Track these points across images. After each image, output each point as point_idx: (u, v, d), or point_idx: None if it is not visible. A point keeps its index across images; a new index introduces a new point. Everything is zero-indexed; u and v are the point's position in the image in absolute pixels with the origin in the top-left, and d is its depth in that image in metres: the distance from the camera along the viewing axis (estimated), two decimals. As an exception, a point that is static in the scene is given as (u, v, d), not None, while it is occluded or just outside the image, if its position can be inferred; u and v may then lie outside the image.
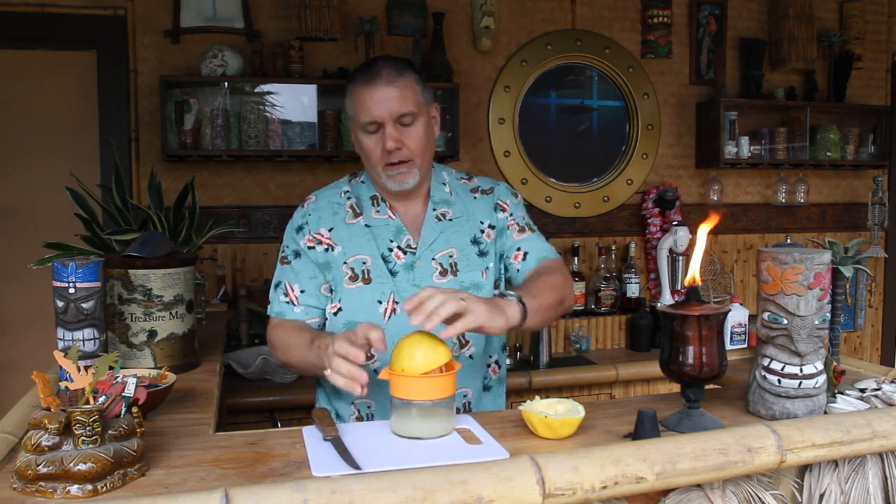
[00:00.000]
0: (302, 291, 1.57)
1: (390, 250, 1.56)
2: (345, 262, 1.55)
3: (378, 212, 1.59)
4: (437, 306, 1.18)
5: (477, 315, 1.22)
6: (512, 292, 1.36)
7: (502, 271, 1.65)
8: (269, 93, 2.94)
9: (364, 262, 1.55)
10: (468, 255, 1.59)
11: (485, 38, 3.22)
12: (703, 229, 1.29)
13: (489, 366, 1.64)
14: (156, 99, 2.88)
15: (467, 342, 1.58)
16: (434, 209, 1.60)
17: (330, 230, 1.57)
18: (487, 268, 1.60)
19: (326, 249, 1.56)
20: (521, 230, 1.64)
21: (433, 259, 1.56)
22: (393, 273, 1.55)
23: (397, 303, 1.53)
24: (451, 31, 3.22)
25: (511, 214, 1.65)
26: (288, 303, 1.58)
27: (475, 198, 1.65)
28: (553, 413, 1.19)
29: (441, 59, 3.07)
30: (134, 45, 2.90)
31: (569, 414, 1.19)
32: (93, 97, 2.93)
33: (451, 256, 1.57)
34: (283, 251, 1.61)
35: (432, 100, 1.58)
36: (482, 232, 1.62)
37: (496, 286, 1.63)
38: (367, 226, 1.58)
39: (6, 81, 2.91)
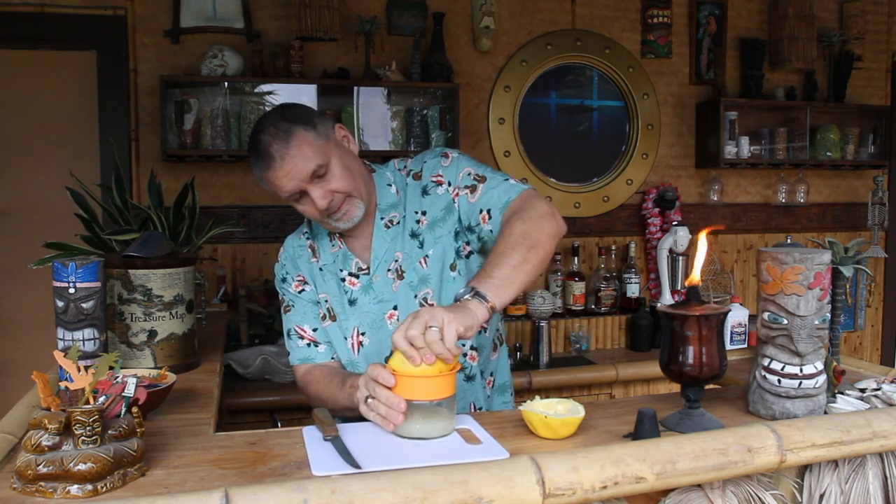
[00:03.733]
0: (315, 330, 1.60)
1: (343, 280, 1.58)
2: (317, 301, 1.61)
3: (333, 245, 1.60)
4: (423, 347, 1.16)
5: (449, 324, 1.16)
6: (466, 288, 1.27)
7: (466, 242, 1.55)
8: (269, 93, 2.95)
9: (326, 301, 1.59)
10: (410, 253, 1.54)
11: (485, 38, 3.22)
12: (703, 237, 1.28)
13: (465, 354, 1.57)
14: (156, 99, 2.88)
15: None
16: (382, 218, 1.56)
17: (301, 272, 1.62)
18: (427, 256, 1.53)
19: (312, 289, 1.61)
20: (473, 189, 1.49)
21: (388, 270, 1.55)
22: (352, 302, 1.56)
23: (363, 333, 1.56)
24: (451, 31, 3.22)
25: (450, 183, 1.52)
26: (309, 345, 1.60)
27: (407, 184, 1.58)
28: (553, 413, 1.19)
29: (441, 59, 3.07)
30: (134, 45, 2.90)
31: (569, 414, 1.19)
32: (93, 97, 2.93)
33: (396, 261, 1.54)
34: (283, 301, 1.65)
35: (331, 126, 1.50)
36: (418, 222, 1.55)
37: (453, 268, 1.54)
38: (321, 269, 1.61)
39: (6, 81, 2.91)
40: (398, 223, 1.55)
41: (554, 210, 1.42)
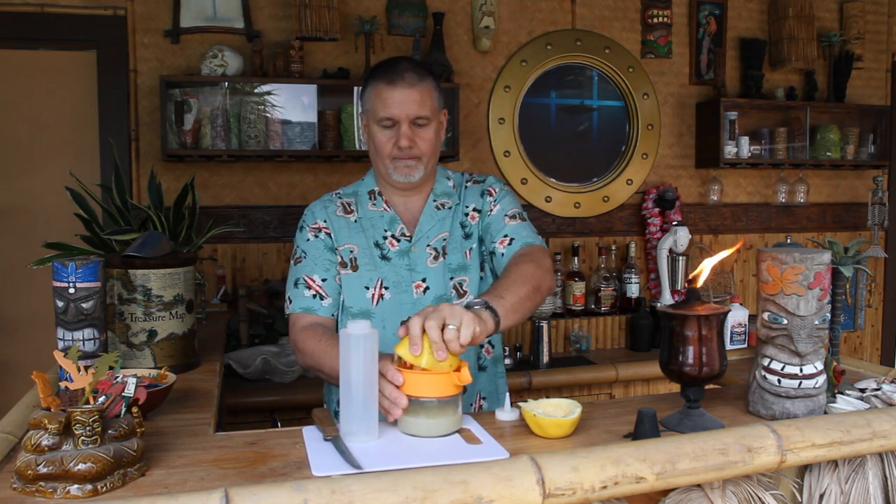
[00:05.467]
0: (324, 280, 1.61)
1: (384, 238, 1.64)
2: (332, 249, 1.65)
3: (374, 205, 1.68)
4: (448, 340, 1.19)
5: (468, 325, 1.20)
6: (478, 300, 1.33)
7: (486, 254, 1.70)
8: (269, 93, 2.94)
9: (351, 251, 1.64)
10: (456, 238, 1.67)
11: (485, 38, 3.22)
12: (710, 262, 1.29)
13: (482, 346, 1.69)
14: (156, 99, 2.88)
15: None
16: (434, 200, 1.69)
17: (325, 221, 1.67)
18: (471, 248, 1.67)
19: (327, 235, 1.66)
20: (513, 217, 1.66)
21: (428, 245, 1.64)
22: (386, 258, 1.63)
23: (386, 288, 1.61)
24: (451, 31, 3.22)
25: (496, 200, 1.69)
26: (315, 296, 1.59)
27: (467, 186, 1.73)
28: (542, 413, 1.20)
29: (441, 59, 3.07)
30: (134, 45, 2.90)
31: (566, 415, 1.20)
32: (93, 97, 2.93)
33: (444, 240, 1.65)
34: (295, 253, 1.67)
35: (443, 106, 1.66)
36: (467, 215, 1.69)
37: (482, 268, 1.68)
38: (355, 221, 1.66)
39: (6, 81, 2.91)
40: (450, 208, 1.69)
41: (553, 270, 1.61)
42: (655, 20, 3.44)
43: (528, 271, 1.48)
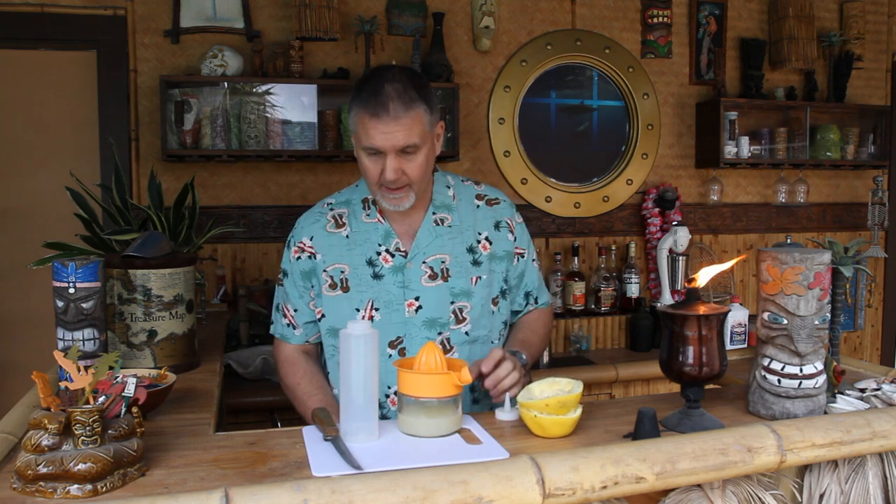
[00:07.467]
0: (296, 310, 1.64)
1: (378, 254, 1.58)
2: (324, 271, 1.60)
3: (368, 216, 1.61)
4: (509, 386, 1.37)
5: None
6: (518, 350, 1.52)
7: (511, 290, 1.69)
8: (269, 93, 2.94)
9: (342, 272, 1.59)
10: (462, 263, 1.59)
11: (485, 38, 3.22)
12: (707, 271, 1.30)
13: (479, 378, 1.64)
14: (156, 99, 2.88)
15: (451, 348, 1.58)
16: (434, 213, 1.61)
17: (311, 238, 1.62)
18: (480, 277, 1.60)
19: (310, 257, 1.61)
20: (540, 267, 1.77)
21: (424, 262, 1.57)
22: (378, 276, 1.57)
23: (377, 309, 1.56)
24: (451, 31, 3.22)
25: (518, 241, 1.67)
26: (288, 325, 1.66)
27: (478, 206, 1.66)
28: (549, 395, 1.19)
29: (441, 59, 3.07)
30: (134, 45, 2.91)
31: (567, 393, 1.19)
32: (93, 97, 2.93)
33: (443, 262, 1.58)
34: (280, 273, 1.68)
35: (438, 119, 1.56)
36: (478, 242, 1.62)
37: (495, 303, 1.63)
38: (347, 237, 1.60)
39: (6, 81, 2.91)
40: (450, 226, 1.61)
41: None
42: (655, 20, 3.44)
43: (547, 335, 1.78)
